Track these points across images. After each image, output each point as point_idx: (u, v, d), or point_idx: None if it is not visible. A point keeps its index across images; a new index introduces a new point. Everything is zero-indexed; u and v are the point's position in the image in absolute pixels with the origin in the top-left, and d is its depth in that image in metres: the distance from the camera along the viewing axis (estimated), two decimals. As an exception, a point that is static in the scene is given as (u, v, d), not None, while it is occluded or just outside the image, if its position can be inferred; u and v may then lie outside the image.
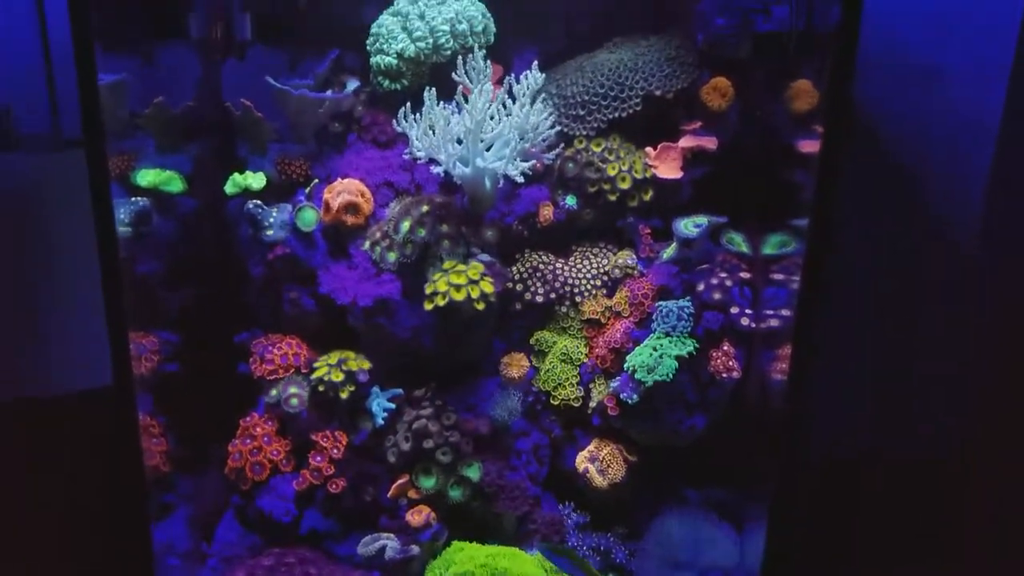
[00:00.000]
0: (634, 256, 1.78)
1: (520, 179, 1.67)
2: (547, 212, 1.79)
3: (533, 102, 1.68)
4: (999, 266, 2.01)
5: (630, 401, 1.68)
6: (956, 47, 1.91)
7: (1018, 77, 1.91)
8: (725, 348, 1.67)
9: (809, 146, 1.68)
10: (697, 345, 1.66)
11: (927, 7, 1.87)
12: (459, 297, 1.65)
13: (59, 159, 1.91)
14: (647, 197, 1.77)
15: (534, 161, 1.70)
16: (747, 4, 1.57)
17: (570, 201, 1.78)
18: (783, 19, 1.57)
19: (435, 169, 1.67)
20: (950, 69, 1.92)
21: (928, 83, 1.94)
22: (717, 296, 1.68)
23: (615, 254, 1.80)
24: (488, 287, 1.67)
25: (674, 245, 1.75)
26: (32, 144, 1.96)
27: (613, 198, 1.76)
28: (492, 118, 1.67)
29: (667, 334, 1.68)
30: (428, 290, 1.68)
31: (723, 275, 1.69)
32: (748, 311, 1.68)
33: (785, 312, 1.67)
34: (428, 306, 1.67)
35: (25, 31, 1.91)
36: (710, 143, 1.75)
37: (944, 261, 2.01)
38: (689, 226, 1.72)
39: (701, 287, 1.69)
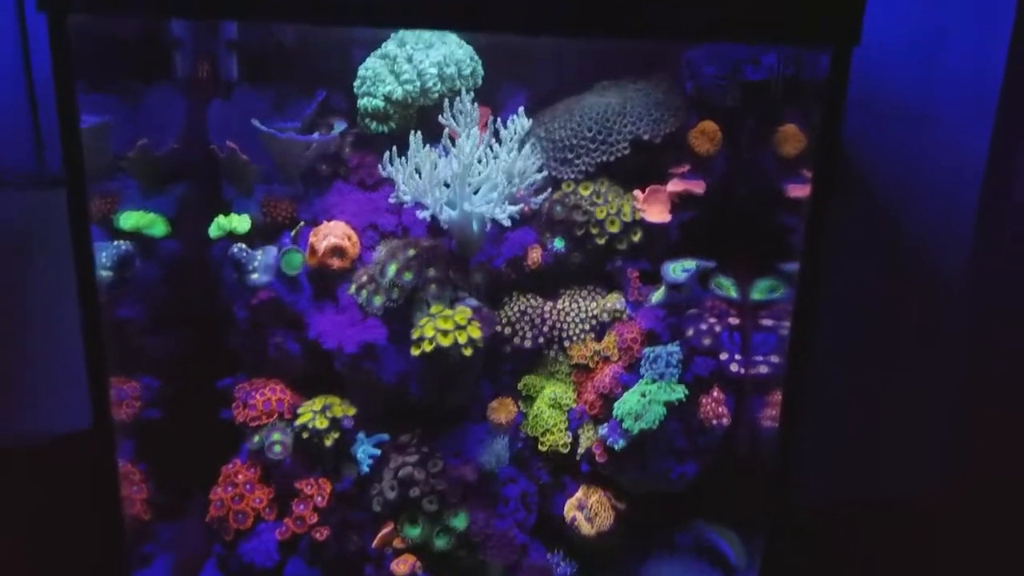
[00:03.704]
0: (623, 299, 1.77)
1: (508, 223, 1.66)
2: (535, 255, 1.77)
3: (520, 146, 1.68)
4: (985, 309, 2.02)
5: (617, 448, 1.67)
6: (942, 90, 1.92)
7: (1002, 120, 1.93)
8: (715, 394, 1.66)
9: (797, 190, 1.68)
10: (687, 391, 1.65)
11: (913, 50, 1.89)
12: (446, 343, 1.63)
13: (42, 198, 1.89)
14: (636, 240, 1.77)
15: (522, 205, 1.69)
16: (736, 54, 1.58)
17: (558, 244, 1.77)
18: (771, 67, 1.58)
19: (421, 214, 1.65)
20: (936, 112, 1.94)
21: (915, 125, 1.95)
22: (706, 342, 1.66)
23: (604, 297, 1.79)
24: (475, 332, 1.65)
25: (663, 289, 1.74)
26: (16, 182, 1.95)
27: (601, 241, 1.75)
28: (480, 161, 1.67)
29: (656, 380, 1.67)
30: (415, 335, 1.65)
31: (712, 320, 1.68)
32: (738, 357, 1.66)
33: (775, 358, 1.66)
34: (415, 352, 1.65)
35: (10, 67, 1.90)
36: (698, 187, 1.74)
37: (930, 303, 2.02)
38: (677, 270, 1.71)
39: (690, 332, 1.68)
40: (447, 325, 1.64)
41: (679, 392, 1.65)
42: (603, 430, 1.70)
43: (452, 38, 1.76)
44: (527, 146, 1.69)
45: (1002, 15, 1.84)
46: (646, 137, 1.75)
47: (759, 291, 1.71)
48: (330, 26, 1.59)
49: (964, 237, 1.99)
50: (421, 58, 1.72)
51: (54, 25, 1.26)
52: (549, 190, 1.74)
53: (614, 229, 1.75)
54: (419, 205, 1.67)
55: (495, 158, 1.67)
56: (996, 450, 1.98)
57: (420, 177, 1.65)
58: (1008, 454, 1.97)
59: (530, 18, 1.30)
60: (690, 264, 1.71)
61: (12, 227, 1.92)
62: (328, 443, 1.70)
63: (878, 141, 1.95)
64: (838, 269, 1.86)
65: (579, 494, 1.77)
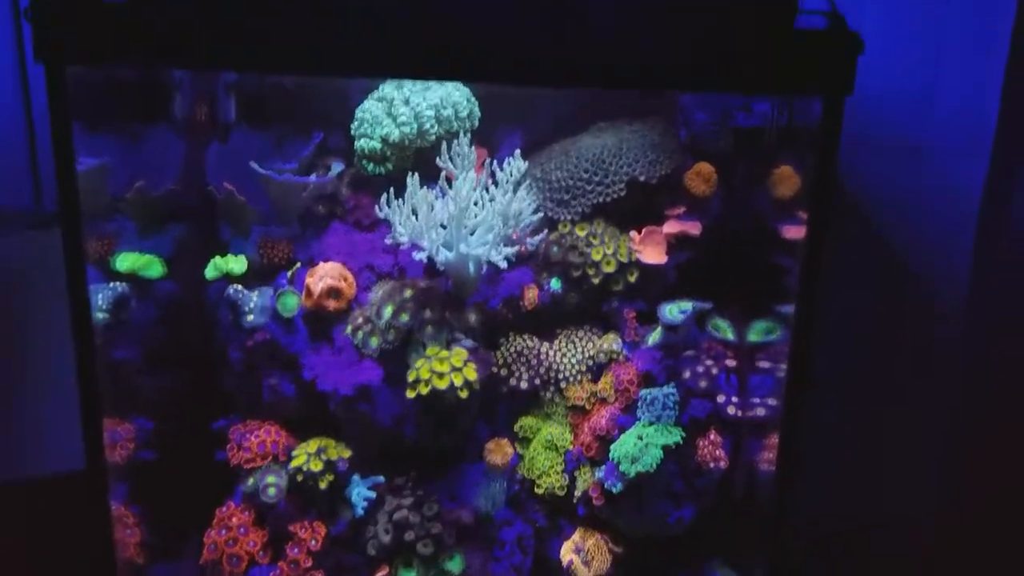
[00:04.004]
0: (619, 340, 1.77)
1: (504, 265, 1.66)
2: (532, 295, 1.77)
3: (516, 188, 1.69)
4: (980, 336, 2.02)
5: (615, 491, 1.65)
6: (938, 122, 1.93)
7: (998, 152, 1.94)
8: (712, 437, 1.65)
9: (793, 231, 1.68)
10: (683, 434, 1.64)
11: (909, 85, 1.90)
12: (442, 385, 1.62)
13: (39, 237, 1.90)
14: (632, 281, 1.76)
15: (518, 247, 1.70)
16: (728, 100, 1.59)
17: (555, 284, 1.77)
18: (764, 114, 1.59)
19: (418, 255, 1.65)
20: (932, 144, 1.95)
21: (910, 158, 1.96)
22: (703, 384, 1.66)
23: (600, 338, 1.79)
24: (471, 374, 1.65)
25: (659, 330, 1.74)
26: (13, 220, 1.95)
27: (597, 282, 1.76)
28: (476, 204, 1.67)
29: (653, 422, 1.66)
30: (410, 377, 1.65)
31: (709, 362, 1.67)
32: (734, 399, 1.66)
33: (772, 400, 1.66)
34: (410, 394, 1.64)
35: (9, 104, 1.91)
36: (694, 228, 1.75)
37: (925, 330, 2.02)
38: (674, 311, 1.71)
39: (687, 374, 1.67)
40: (443, 367, 1.64)
41: (676, 435, 1.64)
42: (600, 473, 1.69)
43: (449, 80, 1.78)
44: (523, 188, 1.70)
45: (997, 47, 1.86)
46: (642, 178, 1.75)
47: (756, 333, 1.70)
48: (325, 76, 1.60)
49: (959, 267, 1.99)
50: (418, 101, 1.74)
51: (51, 76, 1.27)
52: (545, 231, 1.74)
53: (610, 270, 1.75)
54: (415, 246, 1.67)
55: (491, 200, 1.68)
56: (991, 474, 1.98)
57: (417, 219, 1.66)
58: (1003, 478, 1.97)
59: (521, 70, 1.31)
60: (686, 305, 1.71)
61: (8, 266, 1.93)
62: (323, 486, 1.68)
63: (873, 174, 1.96)
64: (834, 297, 1.86)
65: (576, 537, 1.75)
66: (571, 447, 1.75)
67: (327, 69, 1.33)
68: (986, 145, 1.92)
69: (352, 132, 1.78)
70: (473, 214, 1.66)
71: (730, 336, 1.71)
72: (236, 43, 1.28)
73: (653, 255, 1.77)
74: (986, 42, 1.86)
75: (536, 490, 1.75)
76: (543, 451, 1.76)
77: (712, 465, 1.64)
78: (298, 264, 1.75)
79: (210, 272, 1.71)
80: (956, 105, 1.91)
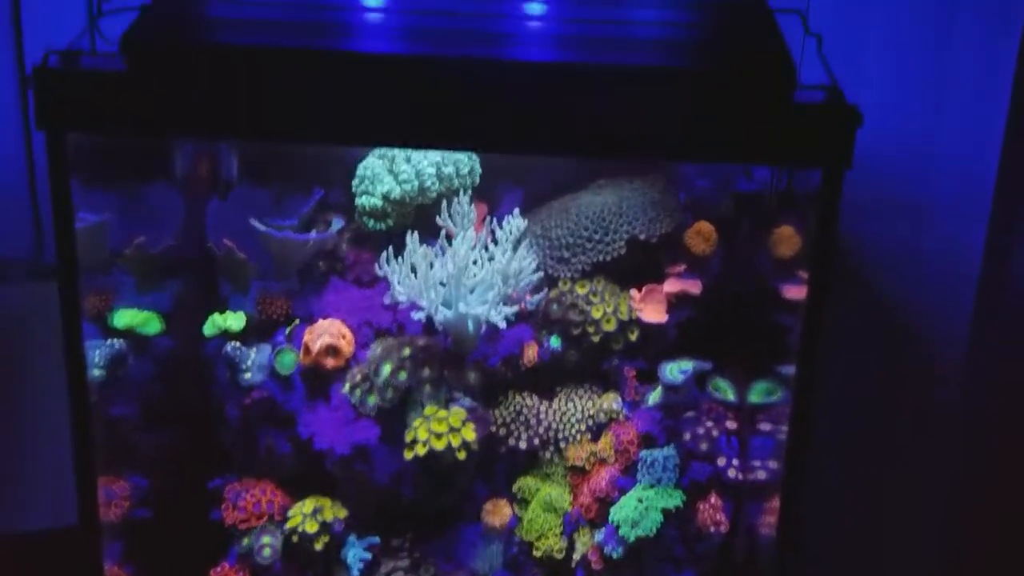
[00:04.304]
0: (619, 399, 1.76)
1: (503, 325, 1.66)
2: (531, 353, 1.76)
3: (516, 247, 1.69)
4: (982, 407, 2.01)
5: (615, 555, 1.63)
6: (937, 183, 1.94)
7: (997, 212, 1.94)
8: (712, 500, 1.63)
9: (793, 291, 1.68)
10: (684, 497, 1.62)
11: (909, 144, 1.91)
12: (440, 446, 1.61)
13: (37, 290, 1.89)
14: (632, 339, 1.76)
15: (518, 306, 1.69)
16: (728, 167, 1.60)
17: (554, 342, 1.76)
18: (764, 180, 1.60)
19: (416, 315, 1.65)
20: (932, 206, 1.95)
21: (911, 219, 1.96)
22: (704, 446, 1.64)
23: (600, 397, 1.77)
24: (470, 435, 1.63)
25: (659, 390, 1.72)
26: (13, 269, 1.95)
27: (597, 340, 1.75)
28: (475, 262, 1.67)
29: (653, 485, 1.64)
30: (408, 438, 1.64)
31: (709, 424, 1.66)
32: (735, 462, 1.64)
33: (773, 463, 1.64)
34: (408, 455, 1.63)
35: (12, 155, 1.92)
36: (694, 287, 1.74)
37: (926, 392, 2.00)
38: (674, 371, 1.70)
39: (687, 436, 1.66)
40: (441, 428, 1.63)
41: (676, 498, 1.62)
42: (599, 536, 1.67)
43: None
44: (523, 246, 1.70)
45: (996, 105, 1.87)
46: (642, 237, 1.75)
47: (756, 394, 1.69)
48: (326, 145, 1.61)
49: (959, 327, 1.98)
50: (420, 158, 1.74)
51: (52, 143, 1.27)
52: (545, 290, 1.74)
53: (610, 328, 1.74)
54: (414, 306, 1.67)
55: (491, 259, 1.68)
56: (991, 537, 1.96)
57: (416, 277, 1.66)
58: (1004, 541, 1.95)
59: (522, 140, 1.31)
60: (687, 365, 1.70)
61: (8, 315, 1.93)
62: (318, 547, 1.67)
63: (873, 232, 1.96)
64: (834, 359, 1.85)
65: (575, 600, 1.73)
66: (570, 508, 1.73)
67: (328, 139, 1.34)
68: (985, 203, 1.93)
69: (353, 189, 1.78)
70: (472, 273, 1.66)
71: (731, 397, 1.70)
72: (236, 113, 1.29)
73: (653, 314, 1.76)
74: (985, 100, 1.88)
75: (534, 552, 1.73)
76: (542, 512, 1.74)
77: (713, 529, 1.62)
78: (296, 321, 1.75)
79: (208, 329, 1.71)
80: (955, 163, 1.92)
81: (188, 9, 1.41)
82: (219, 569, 1.70)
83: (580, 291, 1.77)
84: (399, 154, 1.76)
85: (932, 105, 1.89)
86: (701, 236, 1.75)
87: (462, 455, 1.63)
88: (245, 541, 1.68)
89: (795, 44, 1.51)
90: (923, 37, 1.86)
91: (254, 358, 1.69)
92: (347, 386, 1.71)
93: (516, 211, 1.69)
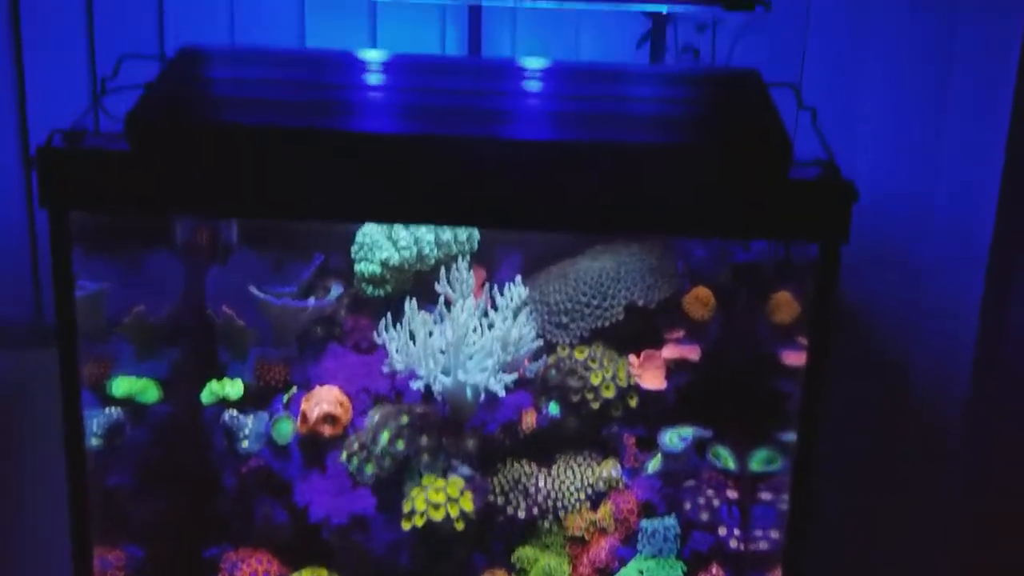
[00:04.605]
0: (619, 466, 1.74)
1: (503, 393, 1.65)
2: (530, 420, 1.76)
3: (516, 315, 1.69)
4: (984, 464, 2.00)
5: (615, 628, 1.62)
6: (935, 244, 1.94)
7: (993, 271, 1.94)
8: (714, 571, 1.61)
9: (792, 357, 1.68)
10: (685, 568, 1.61)
11: (906, 205, 1.92)
12: (438, 517, 1.60)
13: (35, 356, 1.89)
14: (632, 405, 1.75)
15: (517, 374, 1.69)
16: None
17: (553, 409, 1.76)
18: (761, 251, 1.61)
19: (415, 384, 1.65)
20: (930, 264, 1.95)
21: (909, 278, 1.97)
22: (704, 516, 1.63)
23: (599, 465, 1.76)
24: (468, 505, 1.62)
25: (659, 457, 1.71)
26: (12, 332, 1.95)
27: (596, 406, 1.74)
28: (474, 330, 1.68)
29: (654, 556, 1.62)
30: (406, 508, 1.62)
31: (710, 493, 1.65)
32: (736, 532, 1.63)
33: (774, 533, 1.63)
34: (406, 525, 1.61)
35: (15, 217, 1.94)
36: (693, 353, 1.74)
37: (929, 456, 1.99)
38: (674, 439, 1.69)
39: (688, 506, 1.64)
40: (439, 498, 1.61)
41: (677, 570, 1.60)
42: (599, 608, 1.65)
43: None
44: (523, 313, 1.70)
45: (990, 166, 1.88)
46: (640, 302, 1.76)
47: (757, 462, 1.68)
48: (328, 222, 1.63)
49: (960, 385, 1.98)
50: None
51: (55, 221, 1.28)
52: (544, 357, 1.74)
53: (609, 395, 1.74)
54: (413, 374, 1.67)
55: (490, 326, 1.68)
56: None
57: (414, 344, 1.66)
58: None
59: (519, 217, 1.32)
60: (687, 432, 1.69)
61: (7, 379, 1.92)
62: (314, 619, 1.65)
63: (870, 288, 1.96)
64: (834, 421, 1.85)
65: (574, 674, 1.70)
66: (570, 579, 1.72)
67: (328, 216, 1.35)
68: (982, 261, 1.93)
69: (352, 255, 1.79)
70: (471, 341, 1.66)
71: (731, 465, 1.69)
72: (240, 192, 1.30)
73: (652, 380, 1.76)
74: (980, 161, 1.89)
75: (533, 625, 1.72)
76: (541, 583, 1.72)
77: (715, 601, 1.61)
78: (294, 388, 1.75)
79: (206, 397, 1.70)
80: (952, 223, 1.92)
81: (192, 88, 1.43)
82: (214, 642, 1.68)
83: (579, 357, 1.76)
84: (398, 221, 1.77)
85: (927, 167, 1.90)
86: (699, 302, 1.76)
87: (460, 526, 1.61)
88: (240, 613, 1.66)
89: (789, 116, 1.53)
90: (916, 102, 1.88)
91: (251, 426, 1.69)
92: (344, 455, 1.70)
93: (518, 279, 1.71)
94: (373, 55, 1.63)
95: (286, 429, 1.70)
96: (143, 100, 1.36)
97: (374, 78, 1.51)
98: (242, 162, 1.30)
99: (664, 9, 1.69)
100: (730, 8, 1.43)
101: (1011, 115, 1.85)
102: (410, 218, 1.43)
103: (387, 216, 1.43)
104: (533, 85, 1.47)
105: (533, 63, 1.57)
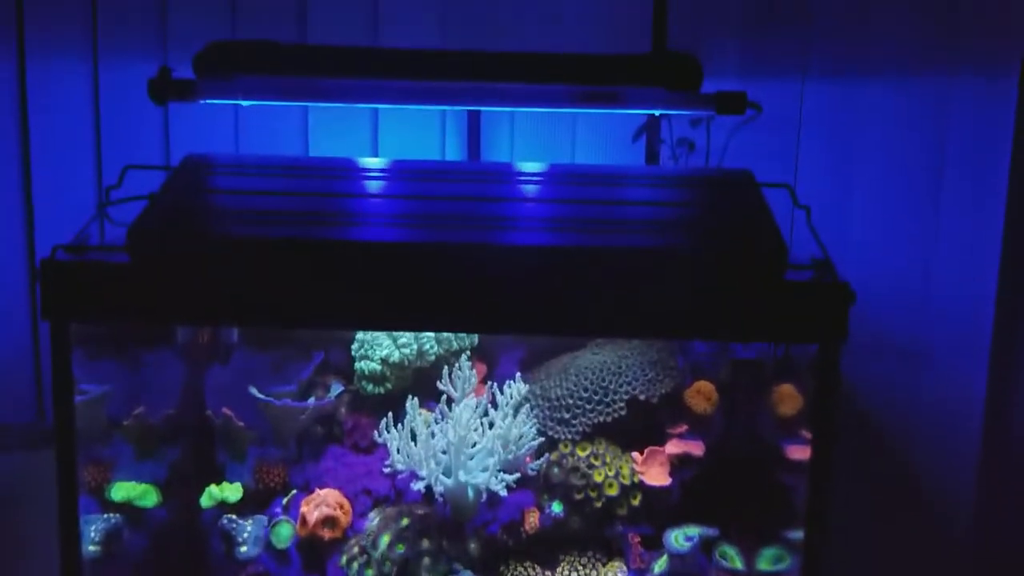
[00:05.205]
0: (624, 568, 1.71)
1: (504, 493, 1.63)
2: (532, 519, 1.73)
3: (517, 412, 1.68)
4: (993, 551, 1.96)
5: None
6: (935, 330, 1.94)
7: (996, 358, 1.93)
8: (724, 677, 1.57)
9: (797, 451, 1.66)
10: (695, 673, 1.57)
11: (904, 294, 1.93)
12: (440, 623, 1.57)
13: (36, 458, 1.88)
14: (635, 503, 1.73)
15: (519, 473, 1.67)
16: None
17: (556, 508, 1.73)
18: (761, 347, 1.61)
19: (416, 485, 1.64)
20: (931, 351, 1.95)
21: (912, 365, 1.96)
22: (714, 619, 1.59)
23: (604, 565, 1.72)
24: (470, 611, 1.59)
25: (665, 558, 1.68)
26: (13, 435, 1.94)
27: (600, 505, 1.72)
28: (476, 429, 1.67)
29: (662, 662, 1.58)
30: (406, 615, 1.59)
31: (718, 595, 1.61)
32: (746, 636, 1.59)
33: (786, 637, 1.59)
34: (406, 634, 1.58)
35: (17, 328, 1.95)
36: (697, 448, 1.72)
37: (937, 547, 1.95)
38: (680, 539, 1.66)
39: (696, 609, 1.61)
40: (441, 604, 1.58)
41: (687, 675, 1.56)
42: None
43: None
44: (524, 411, 1.69)
45: (987, 252, 1.89)
46: (642, 397, 1.75)
47: (765, 561, 1.64)
48: (325, 330, 1.64)
49: (967, 473, 1.95)
50: (418, 323, 1.76)
51: (56, 333, 1.29)
52: (547, 455, 1.72)
53: (613, 492, 1.72)
54: (413, 475, 1.65)
55: (491, 424, 1.67)
56: None
57: (415, 444, 1.65)
58: None
59: (520, 323, 1.33)
60: (693, 532, 1.66)
61: (5, 484, 1.91)
62: None
63: (873, 376, 1.95)
64: (838, 507, 1.82)
65: None
66: None
67: (328, 325, 1.36)
68: (984, 346, 1.92)
69: (352, 353, 1.80)
70: (472, 441, 1.65)
71: (739, 565, 1.65)
72: (243, 303, 1.31)
73: (656, 477, 1.73)
74: (976, 248, 1.90)
75: None
76: None
77: None
78: (293, 491, 1.73)
79: (205, 501, 1.68)
80: (951, 310, 1.93)
81: (195, 198, 1.46)
82: None
83: (581, 453, 1.75)
84: (399, 318, 1.78)
85: (924, 255, 1.92)
86: (702, 395, 1.75)
87: (462, 633, 1.58)
88: None
89: (784, 213, 1.55)
90: (911, 191, 1.90)
91: (250, 531, 1.66)
92: (344, 559, 1.66)
93: (518, 376, 1.70)
94: (374, 162, 1.67)
95: (285, 532, 1.67)
96: (146, 212, 1.38)
97: (375, 185, 1.54)
98: (243, 273, 1.32)
99: (657, 112, 1.73)
100: (722, 112, 1.46)
101: (1007, 202, 1.86)
102: (412, 326, 1.44)
103: (389, 325, 1.44)
104: (532, 190, 1.50)
105: (531, 167, 1.60)
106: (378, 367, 1.76)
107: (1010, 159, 1.84)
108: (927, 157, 1.87)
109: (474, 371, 1.73)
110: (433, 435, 1.65)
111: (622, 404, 1.76)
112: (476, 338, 1.81)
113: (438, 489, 1.64)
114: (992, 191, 1.87)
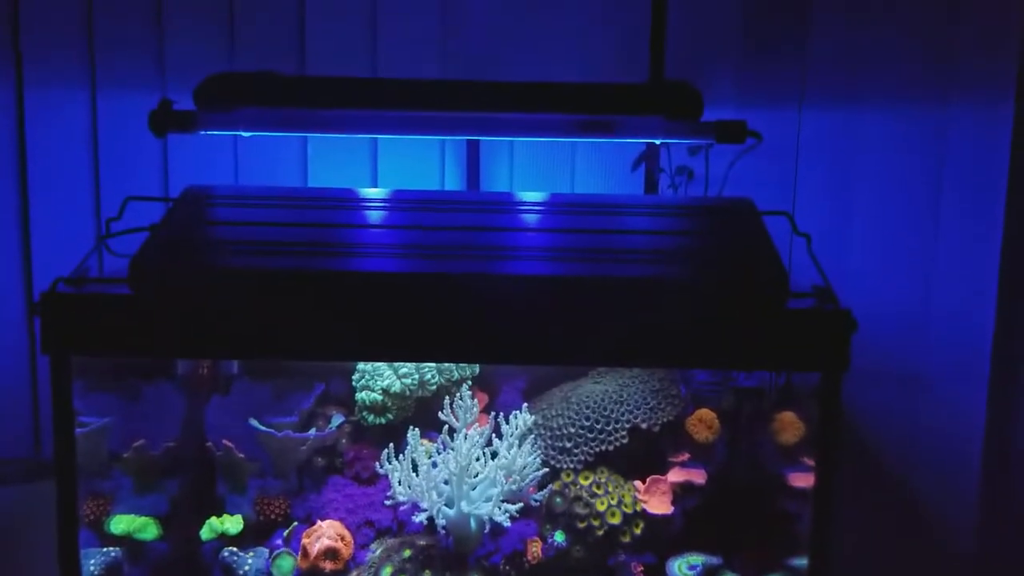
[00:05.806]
0: (628, 598, 1.70)
1: (507, 524, 1.62)
2: (535, 549, 1.72)
3: (520, 443, 1.68)
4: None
5: None
6: (934, 354, 1.94)
7: (996, 384, 1.93)
8: None
9: (799, 478, 1.65)
10: None
11: (903, 318, 1.93)
12: (443, 657, 1.55)
13: (34, 491, 1.87)
14: (638, 532, 1.71)
15: (521, 503, 1.66)
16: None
17: (559, 537, 1.72)
18: (763, 376, 1.61)
19: (418, 517, 1.63)
20: (932, 377, 1.95)
21: (912, 391, 1.96)
22: (718, 651, 1.58)
23: (608, 595, 1.72)
24: (474, 643, 1.58)
25: (669, 587, 1.68)
26: (11, 469, 1.93)
27: (603, 533, 1.71)
28: (478, 459, 1.66)
29: None
30: (409, 649, 1.58)
31: (723, 625, 1.60)
32: (752, 666, 1.57)
33: (792, 668, 1.57)
34: (409, 667, 1.56)
35: (16, 360, 1.95)
36: (699, 476, 1.71)
37: (939, 573, 1.94)
38: (683, 568, 1.65)
39: (701, 640, 1.60)
40: (444, 637, 1.57)
41: None
42: None
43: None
44: (528, 441, 1.69)
45: (986, 274, 1.90)
46: (644, 426, 1.74)
47: (769, 590, 1.64)
48: (324, 361, 1.64)
49: (968, 494, 1.95)
50: (419, 352, 1.75)
51: (56, 366, 1.29)
52: (550, 485, 1.71)
53: (616, 521, 1.70)
54: (415, 507, 1.64)
55: (494, 455, 1.66)
56: None
57: (417, 475, 1.64)
58: None
59: (526, 353, 1.33)
60: (696, 560, 1.65)
61: (5, 516, 1.89)
62: None
63: (873, 405, 1.95)
64: (840, 533, 1.81)
65: None
66: None
67: (331, 357, 1.36)
68: (984, 369, 1.92)
69: (354, 383, 1.79)
70: (475, 471, 1.64)
71: (743, 595, 1.64)
72: (243, 335, 1.31)
73: (659, 505, 1.73)
74: (975, 270, 1.91)
75: None
76: None
77: None
78: (295, 523, 1.72)
79: (205, 533, 1.67)
80: (950, 333, 1.93)
81: (195, 230, 1.46)
82: None
83: (584, 482, 1.74)
84: (400, 348, 1.77)
85: (923, 281, 1.92)
86: (704, 423, 1.74)
87: (466, 666, 1.56)
88: None
89: (783, 239, 1.56)
90: (909, 217, 1.91)
91: (251, 564, 1.64)
92: (346, 591, 1.66)
93: (524, 406, 1.70)
94: (374, 193, 1.67)
95: (287, 566, 1.66)
96: (147, 244, 1.38)
97: (375, 216, 1.54)
98: (245, 305, 1.32)
99: (657, 141, 1.74)
100: (722, 141, 1.47)
101: (1004, 221, 1.87)
102: (413, 357, 1.44)
103: (390, 356, 1.44)
104: (532, 219, 1.50)
105: (531, 197, 1.61)
106: (379, 397, 1.75)
107: (1007, 184, 1.85)
108: (925, 182, 1.88)
109: (475, 401, 1.73)
110: (435, 465, 1.65)
111: (624, 433, 1.75)
112: (477, 368, 1.81)
113: (440, 520, 1.63)
114: (989, 216, 1.88)
